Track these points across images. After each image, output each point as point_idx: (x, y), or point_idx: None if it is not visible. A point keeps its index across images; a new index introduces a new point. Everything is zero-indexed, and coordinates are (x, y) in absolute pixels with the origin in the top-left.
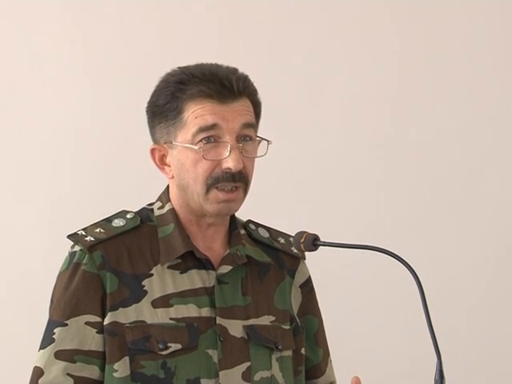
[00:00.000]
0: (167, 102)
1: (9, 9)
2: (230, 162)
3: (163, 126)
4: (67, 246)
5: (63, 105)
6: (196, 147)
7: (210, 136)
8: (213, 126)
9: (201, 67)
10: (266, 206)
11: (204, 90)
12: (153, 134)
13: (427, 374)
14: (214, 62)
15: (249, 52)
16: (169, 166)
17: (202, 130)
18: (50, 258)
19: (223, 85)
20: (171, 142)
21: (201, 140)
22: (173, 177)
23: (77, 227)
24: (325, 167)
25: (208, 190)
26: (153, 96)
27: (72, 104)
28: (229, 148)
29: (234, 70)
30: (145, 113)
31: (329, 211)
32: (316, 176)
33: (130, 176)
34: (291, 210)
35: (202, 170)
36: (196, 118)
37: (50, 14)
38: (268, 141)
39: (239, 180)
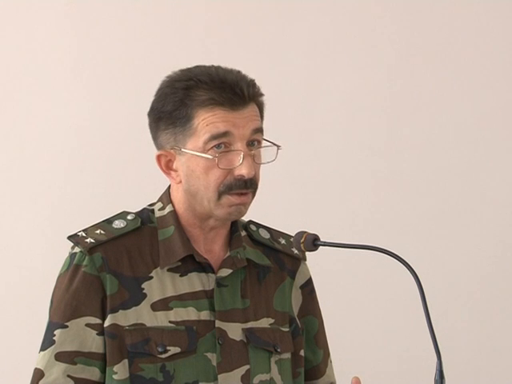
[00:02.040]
0: (175, 108)
1: (7, 8)
2: (243, 170)
3: (170, 132)
4: (67, 246)
5: (63, 105)
6: (210, 156)
7: (221, 143)
8: (224, 134)
9: (207, 72)
10: (266, 205)
11: (215, 97)
12: (156, 138)
13: (427, 374)
14: (213, 62)
15: (249, 52)
16: (175, 171)
17: (213, 137)
18: (50, 258)
19: (234, 92)
20: (180, 149)
21: (212, 147)
22: (180, 182)
23: (77, 227)
24: (325, 167)
25: (220, 197)
26: (158, 101)
27: (72, 104)
28: (242, 156)
29: (241, 75)
30: (145, 115)
31: (329, 211)
32: (316, 176)
33: (130, 176)
34: (291, 210)
35: (214, 178)
36: (207, 125)
37: (48, 14)
38: (278, 146)
39: (250, 186)
